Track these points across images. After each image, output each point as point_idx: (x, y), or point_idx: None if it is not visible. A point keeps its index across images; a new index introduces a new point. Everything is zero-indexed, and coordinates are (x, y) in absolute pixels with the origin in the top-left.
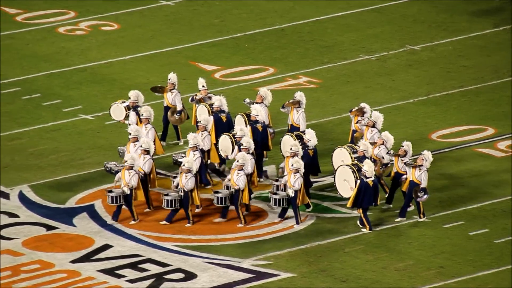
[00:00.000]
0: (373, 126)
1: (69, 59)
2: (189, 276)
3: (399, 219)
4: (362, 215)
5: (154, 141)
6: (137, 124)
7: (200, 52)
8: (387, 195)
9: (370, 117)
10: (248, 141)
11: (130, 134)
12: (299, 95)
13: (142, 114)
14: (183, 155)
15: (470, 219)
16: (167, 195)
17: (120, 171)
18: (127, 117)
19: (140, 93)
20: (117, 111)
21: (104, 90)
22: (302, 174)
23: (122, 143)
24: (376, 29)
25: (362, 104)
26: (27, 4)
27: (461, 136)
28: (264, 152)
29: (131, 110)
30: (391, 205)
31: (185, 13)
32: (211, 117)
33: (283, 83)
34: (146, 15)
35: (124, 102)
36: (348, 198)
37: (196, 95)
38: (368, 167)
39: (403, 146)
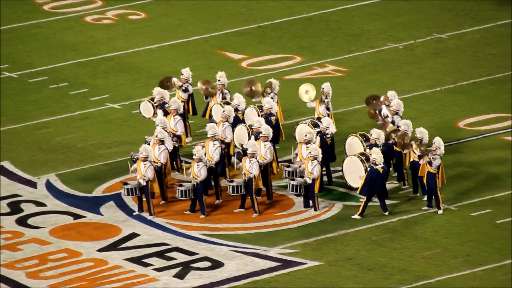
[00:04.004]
0: (396, 114)
1: (96, 48)
2: (216, 264)
3: (425, 207)
4: (364, 201)
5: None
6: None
7: (227, 41)
8: (406, 185)
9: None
10: (267, 128)
11: (156, 136)
12: (327, 87)
13: (171, 106)
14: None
15: (497, 207)
16: (180, 185)
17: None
18: (155, 114)
19: (163, 90)
20: (146, 108)
21: (131, 79)
22: (319, 161)
23: (149, 132)
24: (403, 18)
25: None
26: None
27: (488, 124)
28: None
29: (158, 107)
30: (418, 194)
31: (212, 2)
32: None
33: (310, 72)
34: (173, 4)
35: (153, 99)
36: (358, 188)
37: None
38: (377, 155)
39: (416, 135)
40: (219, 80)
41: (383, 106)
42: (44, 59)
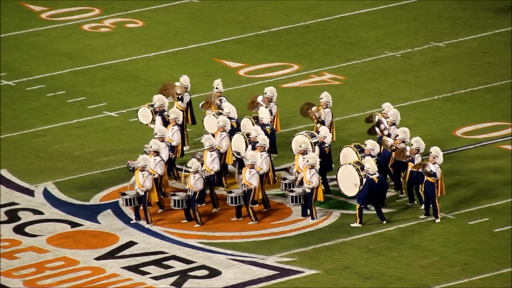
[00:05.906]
0: (393, 124)
1: (94, 56)
2: (214, 273)
3: (423, 216)
4: (358, 208)
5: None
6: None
7: (224, 49)
8: (404, 193)
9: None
10: (264, 138)
11: (151, 146)
12: (326, 96)
13: (170, 115)
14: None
15: (495, 215)
16: (174, 195)
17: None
18: (153, 121)
19: (164, 97)
20: (144, 114)
21: (129, 87)
22: (317, 170)
23: (147, 140)
24: (400, 26)
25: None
26: (52, 1)
27: (486, 133)
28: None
29: (157, 114)
30: (415, 202)
31: (209, 10)
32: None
33: (307, 80)
34: (170, 12)
35: (152, 105)
36: (353, 197)
37: (205, 102)
38: (370, 164)
39: (412, 145)
40: (216, 88)
41: (383, 120)
42: (42, 67)
